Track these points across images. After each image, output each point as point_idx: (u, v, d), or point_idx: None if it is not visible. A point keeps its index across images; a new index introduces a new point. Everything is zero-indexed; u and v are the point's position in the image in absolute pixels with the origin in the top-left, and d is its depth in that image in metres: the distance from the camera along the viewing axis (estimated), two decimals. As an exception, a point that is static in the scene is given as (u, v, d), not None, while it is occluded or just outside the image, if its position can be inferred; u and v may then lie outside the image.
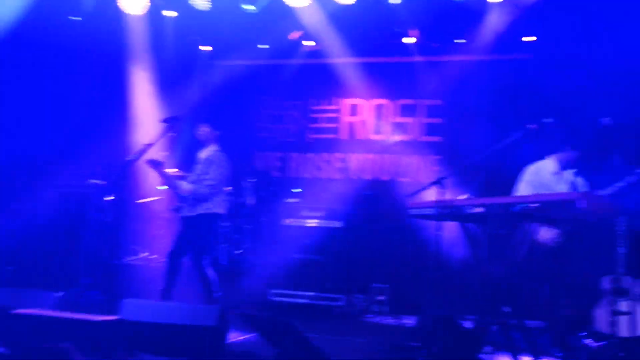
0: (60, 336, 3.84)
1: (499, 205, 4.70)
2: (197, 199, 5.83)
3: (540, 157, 5.67)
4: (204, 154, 5.95)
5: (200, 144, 6.02)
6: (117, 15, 7.78)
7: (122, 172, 4.97)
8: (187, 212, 5.87)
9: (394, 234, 7.44)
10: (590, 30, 7.14)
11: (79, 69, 8.30)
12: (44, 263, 7.36)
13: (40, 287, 6.67)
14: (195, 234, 5.86)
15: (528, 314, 5.30)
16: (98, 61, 8.37)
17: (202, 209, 5.86)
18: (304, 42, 8.69)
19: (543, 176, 5.52)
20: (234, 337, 5.10)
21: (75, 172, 7.58)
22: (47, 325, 4.23)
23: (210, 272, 5.81)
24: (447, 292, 5.79)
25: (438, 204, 4.80)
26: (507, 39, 7.65)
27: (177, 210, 5.98)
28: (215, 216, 5.98)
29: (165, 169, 5.83)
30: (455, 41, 8.00)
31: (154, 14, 7.92)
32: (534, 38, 7.69)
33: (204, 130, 5.94)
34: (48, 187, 7.51)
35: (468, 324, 4.89)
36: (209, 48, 8.88)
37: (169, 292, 5.74)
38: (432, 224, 5.07)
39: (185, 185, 5.82)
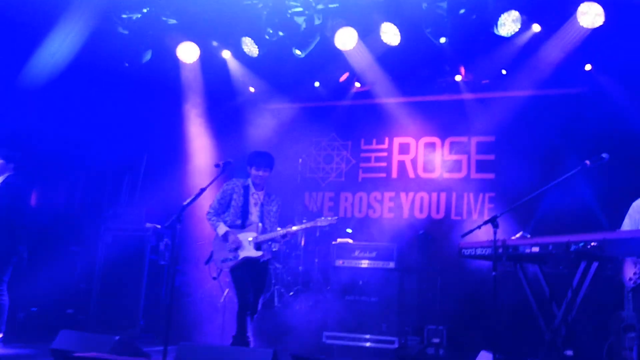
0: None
1: (555, 244, 4.56)
2: (266, 243, 5.73)
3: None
4: (262, 198, 5.84)
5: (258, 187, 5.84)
6: (174, 64, 8.05)
7: (178, 216, 5.04)
8: (261, 257, 5.67)
9: (448, 274, 7.29)
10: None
11: (136, 114, 8.58)
12: (103, 305, 7.51)
13: (98, 329, 6.86)
14: (266, 276, 5.85)
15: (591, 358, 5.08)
16: (155, 107, 8.66)
17: (270, 254, 5.83)
18: (354, 83, 8.81)
19: None
20: (288, 380, 5.07)
21: (133, 215, 7.77)
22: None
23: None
24: (506, 334, 5.61)
25: (492, 244, 4.70)
26: (561, 73, 7.54)
27: (232, 259, 5.65)
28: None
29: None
30: (505, 74, 7.93)
31: (208, 62, 8.15)
32: (588, 67, 7.55)
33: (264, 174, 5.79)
34: (106, 230, 7.72)
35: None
36: (261, 91, 9.07)
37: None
38: (487, 263, 4.96)
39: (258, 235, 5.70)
